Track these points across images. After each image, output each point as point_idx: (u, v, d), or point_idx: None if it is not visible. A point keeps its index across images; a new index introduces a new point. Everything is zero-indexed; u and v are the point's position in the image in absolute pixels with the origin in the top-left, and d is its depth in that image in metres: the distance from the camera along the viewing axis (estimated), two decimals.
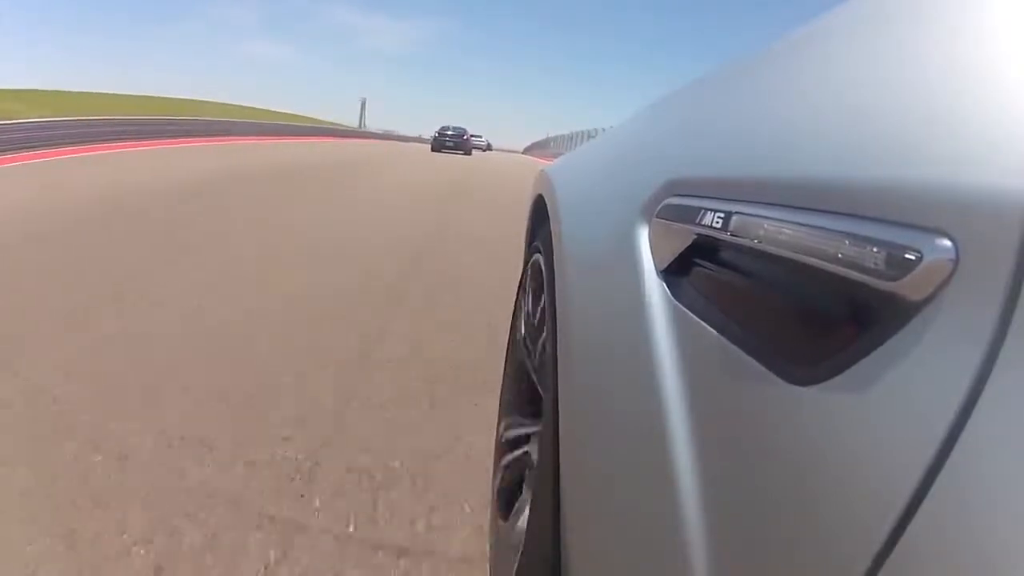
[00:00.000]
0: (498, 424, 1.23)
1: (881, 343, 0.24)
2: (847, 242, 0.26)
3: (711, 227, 0.39)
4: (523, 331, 1.15)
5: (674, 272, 0.45)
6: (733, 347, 0.34)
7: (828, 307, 0.29)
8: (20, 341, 1.80)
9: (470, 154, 22.28)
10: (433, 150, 21.49)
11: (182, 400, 1.54)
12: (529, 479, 0.91)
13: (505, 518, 0.92)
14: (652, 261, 0.48)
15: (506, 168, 15.50)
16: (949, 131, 0.25)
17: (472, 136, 25.81)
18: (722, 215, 0.38)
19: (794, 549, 0.26)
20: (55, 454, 1.27)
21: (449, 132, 22.81)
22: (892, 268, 0.24)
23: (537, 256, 1.06)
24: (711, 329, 0.37)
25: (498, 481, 1.04)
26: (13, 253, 2.78)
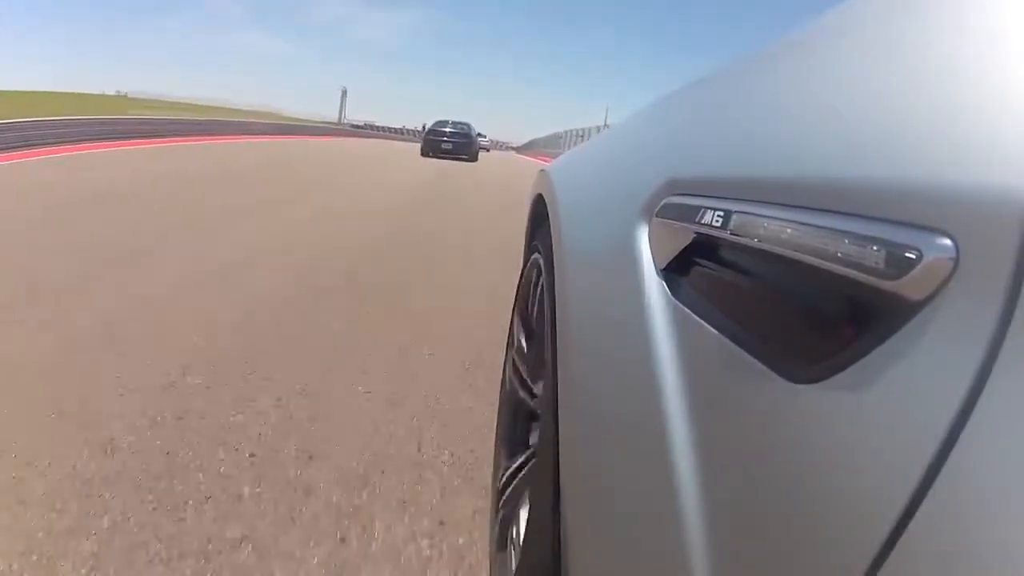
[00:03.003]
0: (498, 418, 1.23)
1: (881, 342, 0.24)
2: (847, 242, 0.26)
3: (711, 226, 0.39)
4: (522, 331, 1.15)
5: (674, 271, 0.45)
6: (733, 346, 0.34)
7: (828, 306, 0.29)
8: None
9: (475, 160, 14.85)
10: (423, 154, 14.41)
11: None
12: (529, 475, 0.91)
13: (504, 520, 0.92)
14: (652, 260, 0.48)
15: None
16: (949, 131, 0.25)
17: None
18: (722, 214, 0.38)
19: (794, 548, 0.26)
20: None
21: (447, 130, 14.96)
22: (892, 267, 0.24)
23: (536, 255, 1.06)
24: (711, 328, 0.37)
25: (499, 478, 1.04)
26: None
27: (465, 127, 15.50)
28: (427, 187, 7.19)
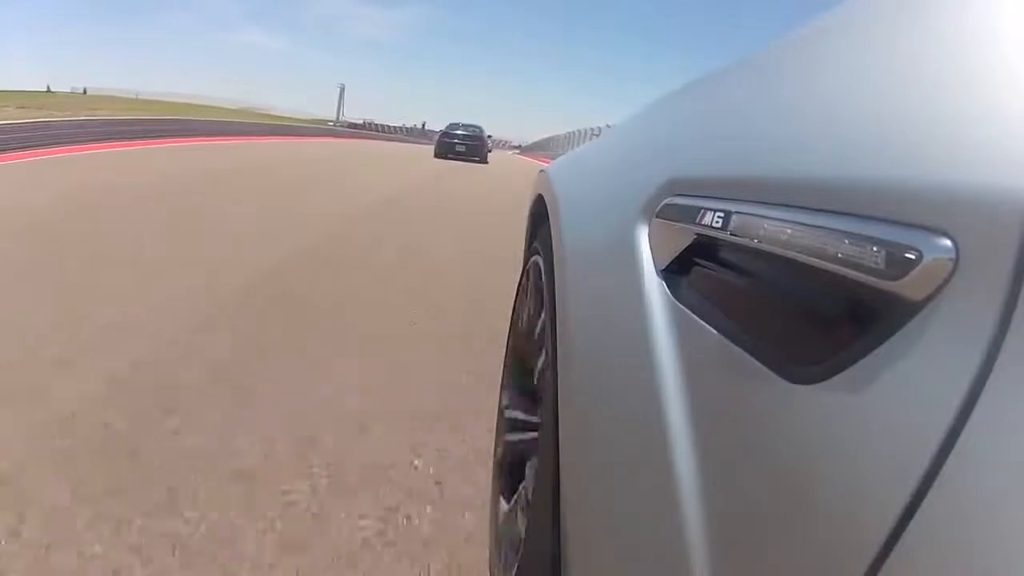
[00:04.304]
0: (497, 423, 1.23)
1: (881, 342, 0.24)
2: (847, 242, 0.26)
3: (711, 227, 0.39)
4: (522, 331, 1.15)
5: (674, 271, 0.45)
6: (733, 346, 0.34)
7: (828, 307, 0.29)
8: None
9: (486, 161, 15.60)
10: (437, 155, 15.05)
11: None
12: (529, 485, 0.91)
13: (504, 520, 0.92)
14: (652, 260, 0.48)
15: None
16: (949, 131, 0.25)
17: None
18: (722, 215, 0.38)
19: (793, 548, 0.27)
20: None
21: (459, 132, 15.71)
22: (892, 268, 0.24)
23: (537, 256, 1.06)
24: (711, 328, 0.37)
25: (498, 482, 1.04)
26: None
27: (477, 130, 16.08)
28: None
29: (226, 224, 3.81)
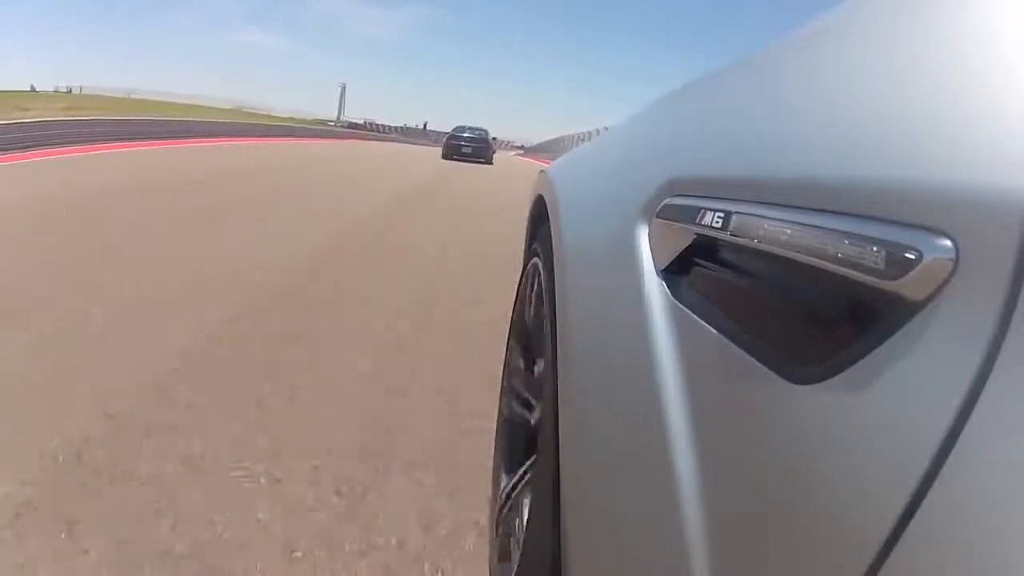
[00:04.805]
0: (498, 419, 1.23)
1: (881, 342, 0.24)
2: (847, 242, 0.26)
3: (711, 227, 0.39)
4: (522, 332, 1.15)
5: (674, 272, 0.45)
6: (733, 346, 0.34)
7: (828, 307, 0.29)
8: None
9: (491, 163, 16.41)
10: (444, 156, 15.94)
11: None
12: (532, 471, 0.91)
13: (505, 525, 0.92)
14: (652, 261, 0.48)
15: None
16: (949, 131, 0.25)
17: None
18: (722, 215, 0.38)
19: (794, 548, 0.26)
20: None
21: (465, 135, 16.71)
22: (892, 268, 0.24)
23: (537, 256, 1.06)
24: (711, 328, 0.37)
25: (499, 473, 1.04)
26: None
27: (482, 133, 17.25)
28: None
29: (225, 224, 3.78)
